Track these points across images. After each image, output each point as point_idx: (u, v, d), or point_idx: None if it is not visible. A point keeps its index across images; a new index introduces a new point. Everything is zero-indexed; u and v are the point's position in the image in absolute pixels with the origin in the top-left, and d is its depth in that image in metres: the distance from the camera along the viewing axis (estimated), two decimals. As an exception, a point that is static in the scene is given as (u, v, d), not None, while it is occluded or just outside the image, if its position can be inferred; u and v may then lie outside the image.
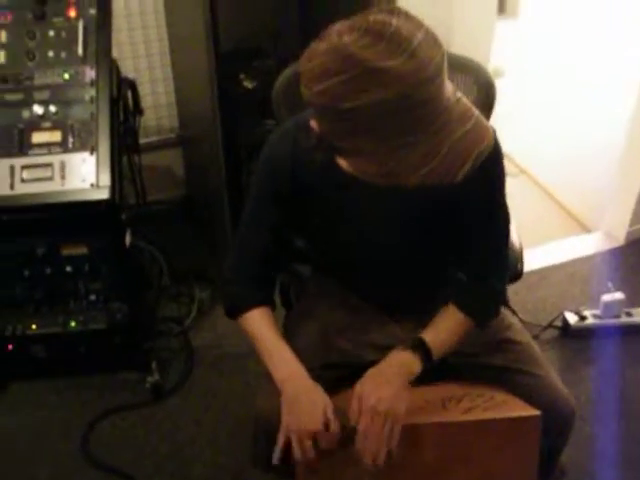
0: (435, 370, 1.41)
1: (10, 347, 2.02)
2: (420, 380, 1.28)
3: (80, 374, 2.19)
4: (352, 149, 1.01)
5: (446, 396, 1.37)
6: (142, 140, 2.66)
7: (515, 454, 1.32)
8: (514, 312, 2.44)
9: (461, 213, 1.27)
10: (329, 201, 1.29)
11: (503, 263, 1.37)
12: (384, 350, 1.39)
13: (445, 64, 0.95)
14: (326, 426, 1.20)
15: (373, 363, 1.28)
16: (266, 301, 1.38)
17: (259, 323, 1.34)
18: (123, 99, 1.92)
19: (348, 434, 1.21)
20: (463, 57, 1.64)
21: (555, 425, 1.33)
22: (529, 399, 1.33)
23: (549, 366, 1.41)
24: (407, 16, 0.95)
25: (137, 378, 2.15)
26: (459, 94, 0.99)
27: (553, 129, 3.14)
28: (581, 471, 1.88)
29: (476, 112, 0.99)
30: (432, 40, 0.94)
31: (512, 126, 3.12)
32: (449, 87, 0.97)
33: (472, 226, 1.30)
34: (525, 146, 3.26)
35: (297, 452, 1.19)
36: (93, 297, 1.96)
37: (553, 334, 2.38)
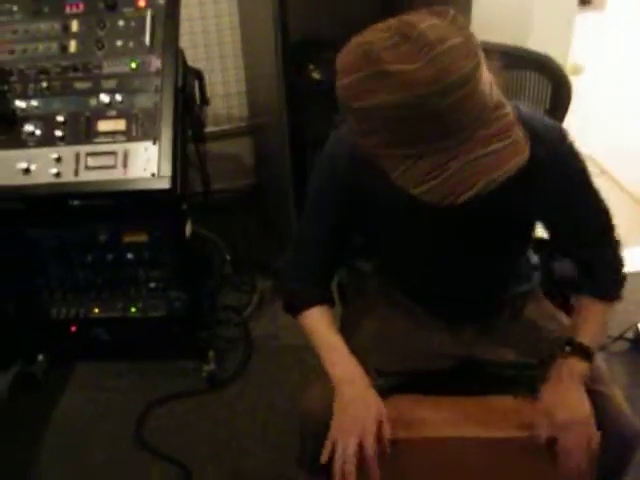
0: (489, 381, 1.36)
1: (74, 329, 2.07)
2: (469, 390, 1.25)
3: (141, 359, 2.23)
4: (369, 151, 0.97)
5: (506, 408, 1.31)
6: (213, 128, 2.70)
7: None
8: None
9: (533, 216, 1.25)
10: (387, 203, 1.24)
11: (613, 234, 1.31)
12: (440, 359, 1.35)
13: (477, 78, 0.86)
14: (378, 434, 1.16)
15: (428, 372, 1.24)
16: (326, 299, 1.36)
17: (318, 321, 1.33)
18: (189, 89, 1.92)
19: (397, 447, 1.17)
20: (537, 53, 1.57)
21: (616, 447, 1.25)
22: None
23: (613, 383, 1.33)
24: (452, 20, 0.89)
25: (195, 366, 2.17)
26: (506, 110, 0.92)
27: (637, 128, 2.97)
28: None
29: (513, 135, 0.91)
30: (468, 50, 0.86)
31: (594, 125, 2.97)
32: (486, 102, 0.89)
33: (563, 222, 1.27)
34: (607, 145, 3.10)
35: (339, 455, 1.15)
36: (153, 285, 1.98)
37: (624, 346, 2.25)
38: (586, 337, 1.25)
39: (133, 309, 2.02)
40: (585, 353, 1.23)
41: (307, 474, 1.43)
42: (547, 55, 1.56)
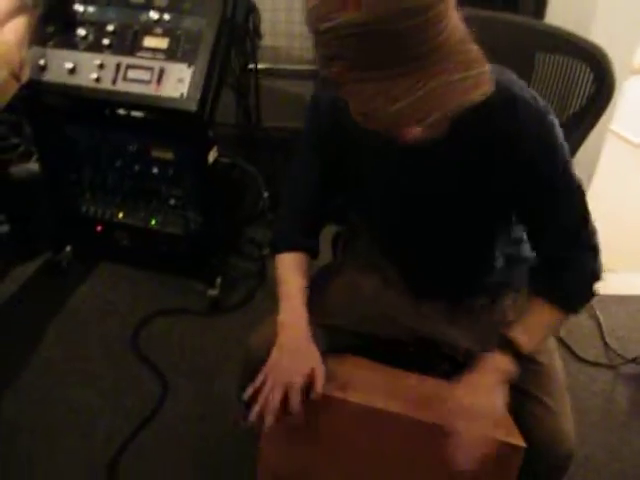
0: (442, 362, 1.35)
1: (99, 228, 2.20)
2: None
3: (156, 270, 2.34)
4: (333, 80, 0.94)
5: (441, 394, 1.30)
6: (273, 65, 2.69)
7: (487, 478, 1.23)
8: (602, 334, 2.25)
9: (503, 185, 1.17)
10: (368, 149, 1.23)
11: (588, 237, 1.22)
12: (401, 329, 1.36)
13: (441, 10, 0.86)
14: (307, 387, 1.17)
15: (386, 339, 1.22)
16: (304, 247, 1.36)
17: (287, 266, 1.34)
18: (239, 19, 1.94)
19: (325, 403, 1.18)
20: (585, 40, 1.47)
21: (547, 464, 1.22)
22: (527, 425, 1.22)
23: (564, 397, 1.28)
24: None
25: (203, 289, 2.25)
26: (470, 46, 0.91)
27: None
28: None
29: (476, 70, 0.91)
30: None
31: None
32: (449, 36, 0.88)
33: (532, 202, 1.19)
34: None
35: (263, 397, 1.17)
36: (173, 202, 2.07)
37: (635, 370, 2.13)
38: (523, 336, 1.20)
39: (153, 221, 2.12)
40: (515, 352, 1.19)
41: (244, 407, 1.48)
42: (595, 44, 1.46)
